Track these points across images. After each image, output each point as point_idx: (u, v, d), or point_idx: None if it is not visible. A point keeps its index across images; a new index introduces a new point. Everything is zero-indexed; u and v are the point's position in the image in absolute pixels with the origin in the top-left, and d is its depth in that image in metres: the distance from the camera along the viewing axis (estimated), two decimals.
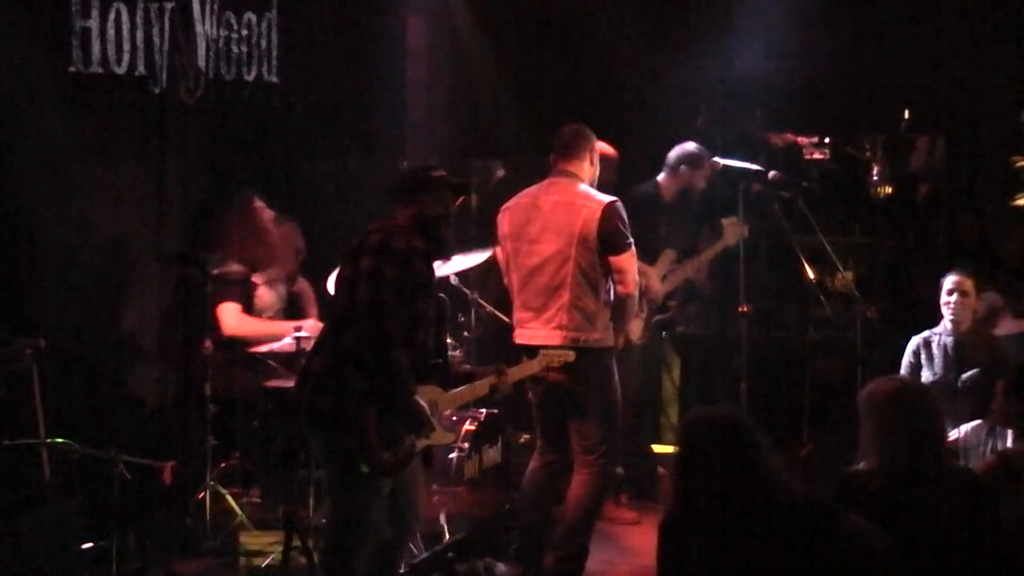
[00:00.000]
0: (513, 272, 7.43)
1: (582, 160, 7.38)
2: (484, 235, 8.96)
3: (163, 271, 8.55)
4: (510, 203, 7.54)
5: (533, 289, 7.30)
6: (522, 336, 7.37)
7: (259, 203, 8.55)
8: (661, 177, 9.14)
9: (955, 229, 11.16)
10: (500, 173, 10.76)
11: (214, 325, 8.22)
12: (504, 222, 7.50)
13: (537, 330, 7.25)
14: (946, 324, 8.01)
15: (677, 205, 9.17)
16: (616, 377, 7.41)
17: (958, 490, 5.17)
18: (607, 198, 7.22)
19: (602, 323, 7.23)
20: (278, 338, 8.09)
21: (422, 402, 6.08)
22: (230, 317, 8.31)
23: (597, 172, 7.48)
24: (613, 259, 7.17)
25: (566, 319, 7.17)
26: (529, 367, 6.92)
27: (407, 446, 6.12)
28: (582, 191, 7.28)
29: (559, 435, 7.48)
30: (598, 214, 7.13)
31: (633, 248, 7.22)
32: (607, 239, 7.15)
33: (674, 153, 9.14)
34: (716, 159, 8.24)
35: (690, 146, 9.06)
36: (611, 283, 7.27)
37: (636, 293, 7.34)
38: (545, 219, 7.27)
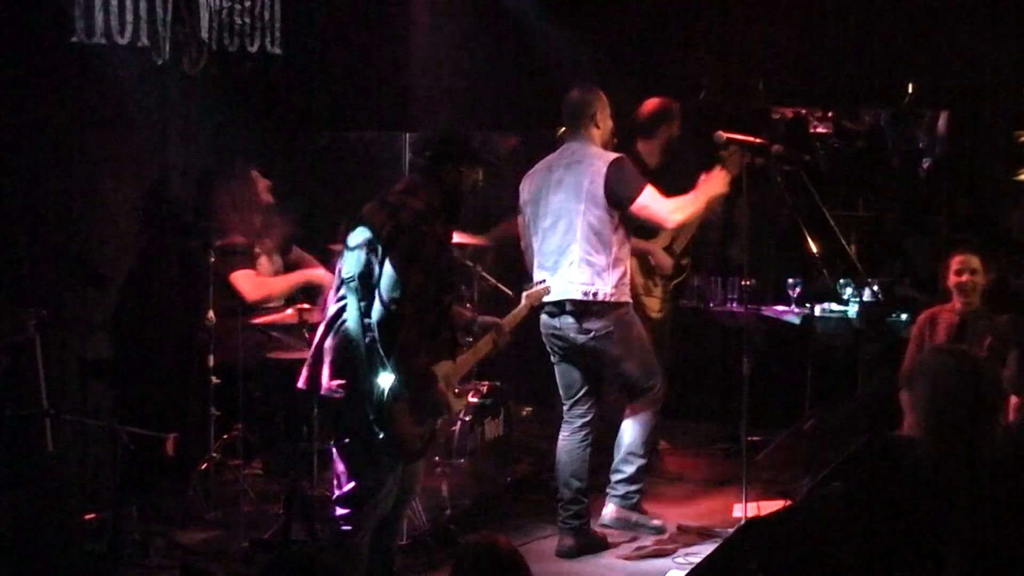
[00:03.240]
0: (532, 235, 7.64)
1: (590, 123, 7.58)
2: (488, 210, 8.95)
3: (166, 243, 8.54)
4: (531, 170, 7.77)
5: (548, 248, 7.52)
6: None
7: (255, 173, 8.55)
8: (640, 145, 9.01)
9: (956, 204, 11.15)
10: (512, 141, 10.70)
11: (234, 295, 8.25)
12: (524, 189, 7.73)
13: (553, 287, 7.37)
14: (954, 303, 7.97)
15: (663, 168, 9.09)
16: (638, 326, 7.64)
17: (1010, 469, 5.11)
18: (613, 155, 7.46)
19: (614, 278, 7.42)
20: (295, 289, 8.30)
21: (442, 386, 6.08)
22: (247, 283, 8.33)
23: (609, 128, 7.67)
24: (633, 209, 7.40)
25: (577, 274, 7.39)
26: (519, 312, 6.94)
27: (430, 428, 6.15)
28: (591, 151, 7.50)
29: (583, 395, 7.69)
30: (604, 171, 7.36)
31: (648, 189, 7.40)
32: (617, 193, 7.36)
33: (644, 116, 9.03)
34: (720, 132, 8.18)
35: (653, 102, 8.96)
36: (626, 240, 7.49)
37: (679, 218, 7.55)
38: (556, 181, 7.49)
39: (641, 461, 7.80)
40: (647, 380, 7.67)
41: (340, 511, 6.15)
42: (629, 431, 7.74)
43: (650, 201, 7.41)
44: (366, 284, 5.92)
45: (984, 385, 5.15)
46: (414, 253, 5.85)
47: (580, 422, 7.70)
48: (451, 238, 6.26)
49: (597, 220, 7.37)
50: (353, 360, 5.94)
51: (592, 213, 7.36)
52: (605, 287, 7.39)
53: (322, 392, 6.10)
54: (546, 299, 7.34)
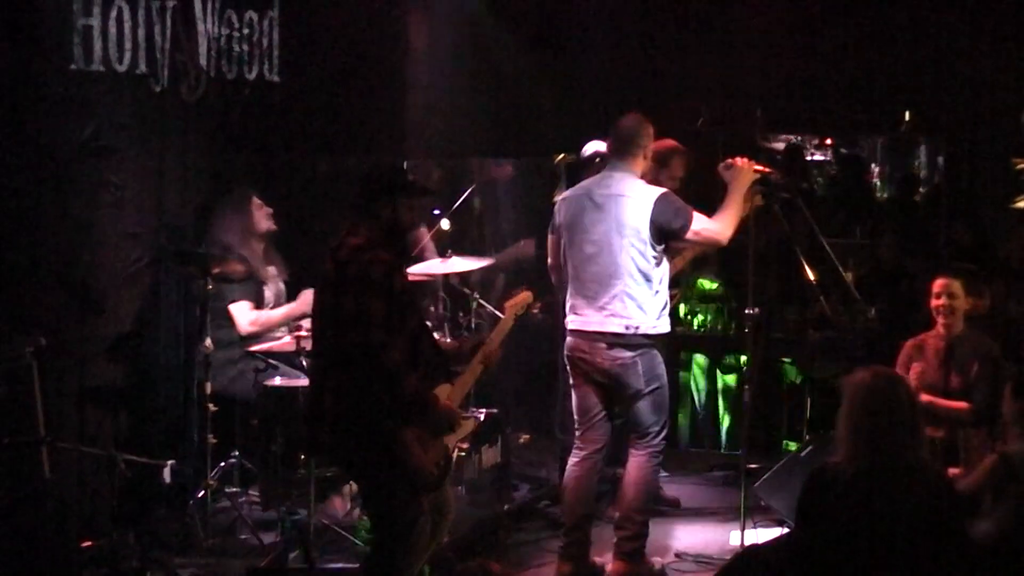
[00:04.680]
0: (568, 261, 7.61)
1: (639, 153, 7.57)
2: (484, 235, 8.95)
3: (163, 270, 8.54)
4: (567, 193, 7.80)
5: (587, 278, 7.49)
6: (576, 322, 7.55)
7: (256, 200, 8.56)
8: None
9: (954, 231, 11.16)
10: (509, 170, 10.81)
11: (232, 323, 8.29)
12: (560, 212, 7.70)
13: (591, 316, 7.45)
14: (938, 328, 8.00)
15: None
16: (662, 365, 7.62)
17: (921, 488, 5.20)
18: (657, 190, 7.46)
19: (655, 310, 7.44)
20: (290, 321, 8.28)
21: (445, 404, 6.09)
22: (242, 316, 8.36)
23: (651, 162, 7.73)
24: (689, 236, 7.46)
25: (621, 307, 7.38)
26: (504, 325, 6.90)
27: (444, 454, 6.15)
28: (633, 184, 7.48)
29: (599, 421, 7.65)
30: (648, 207, 7.35)
31: (695, 216, 7.40)
32: (664, 228, 7.38)
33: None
34: (728, 160, 8.14)
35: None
36: (668, 271, 7.55)
37: (729, 232, 7.52)
38: (597, 211, 7.46)
39: (646, 517, 7.67)
40: (657, 421, 7.58)
41: (378, 566, 6.15)
42: (633, 486, 7.60)
43: (702, 226, 7.44)
44: (335, 326, 5.96)
45: (891, 409, 5.24)
46: (363, 281, 5.89)
47: (592, 448, 7.65)
48: (402, 264, 6.25)
49: (640, 255, 7.36)
50: (349, 411, 5.96)
51: (635, 248, 7.35)
52: (648, 320, 7.40)
53: (328, 452, 6.17)
54: (585, 329, 7.43)
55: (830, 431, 9.02)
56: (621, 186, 7.46)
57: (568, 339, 7.61)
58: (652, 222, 7.33)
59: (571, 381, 7.72)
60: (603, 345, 7.43)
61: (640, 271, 7.37)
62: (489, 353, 6.60)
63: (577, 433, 7.74)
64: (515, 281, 9.31)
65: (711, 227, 7.47)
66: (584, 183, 7.74)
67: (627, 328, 7.37)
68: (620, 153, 7.57)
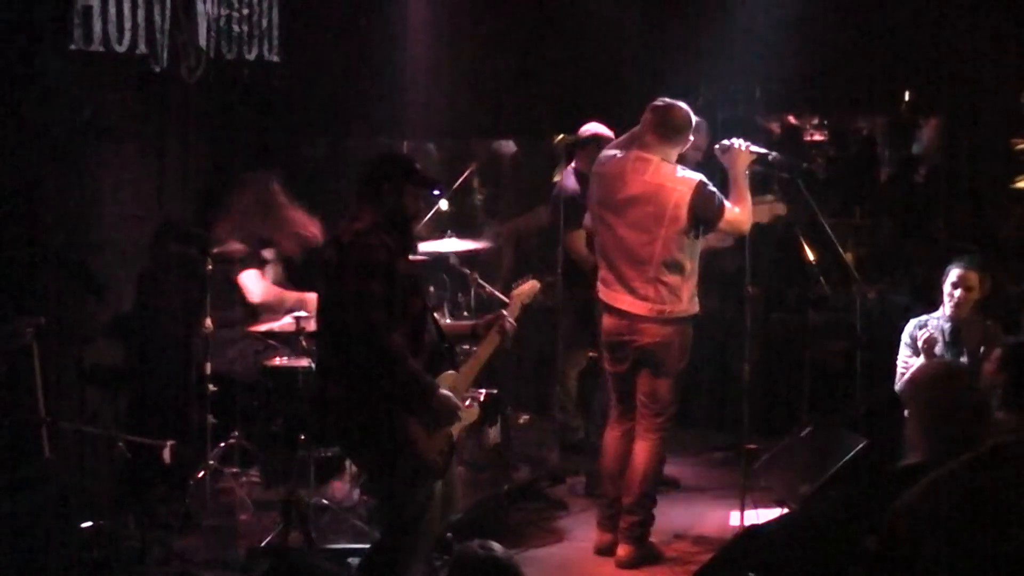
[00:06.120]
0: (600, 235, 7.67)
1: (682, 144, 7.58)
2: (489, 214, 8.93)
3: (163, 250, 8.54)
4: (599, 167, 7.72)
5: (618, 256, 7.53)
6: (607, 295, 7.62)
7: (277, 187, 8.53)
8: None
9: (954, 211, 11.16)
10: (512, 149, 10.82)
11: (233, 302, 8.25)
12: (594, 185, 7.74)
13: (622, 295, 7.51)
14: (945, 311, 7.99)
15: None
16: (689, 348, 7.66)
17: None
18: (695, 178, 7.43)
19: (687, 294, 7.49)
20: (298, 307, 8.16)
21: (447, 392, 6.09)
22: (254, 284, 8.33)
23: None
24: (721, 225, 7.51)
25: (651, 292, 7.43)
26: (511, 313, 6.85)
27: (448, 441, 6.15)
28: (671, 172, 7.45)
29: (635, 401, 7.70)
30: (688, 197, 7.36)
31: (726, 205, 7.44)
32: (701, 217, 7.40)
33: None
34: (724, 142, 8.15)
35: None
36: (697, 253, 7.53)
37: (748, 222, 7.56)
38: (634, 195, 7.44)
39: (655, 500, 7.74)
40: (674, 401, 7.67)
41: (384, 552, 6.18)
42: (644, 472, 7.64)
43: (733, 216, 7.47)
44: (336, 309, 5.97)
45: (978, 393, 5.14)
46: (365, 264, 5.90)
47: (630, 424, 7.73)
48: (406, 248, 6.24)
49: (675, 244, 7.38)
50: (353, 397, 5.97)
51: (671, 238, 7.37)
52: (679, 303, 7.45)
53: (334, 439, 6.19)
54: (616, 305, 7.49)
55: (830, 411, 9.17)
56: (660, 174, 7.43)
57: (605, 320, 7.65)
58: (692, 213, 7.35)
59: (607, 366, 7.79)
60: (643, 323, 7.47)
61: (675, 260, 7.40)
62: (503, 339, 6.60)
63: (614, 412, 7.82)
64: (522, 260, 9.30)
65: (739, 217, 7.51)
66: (615, 159, 7.62)
67: (659, 313, 7.42)
68: (664, 138, 7.50)
